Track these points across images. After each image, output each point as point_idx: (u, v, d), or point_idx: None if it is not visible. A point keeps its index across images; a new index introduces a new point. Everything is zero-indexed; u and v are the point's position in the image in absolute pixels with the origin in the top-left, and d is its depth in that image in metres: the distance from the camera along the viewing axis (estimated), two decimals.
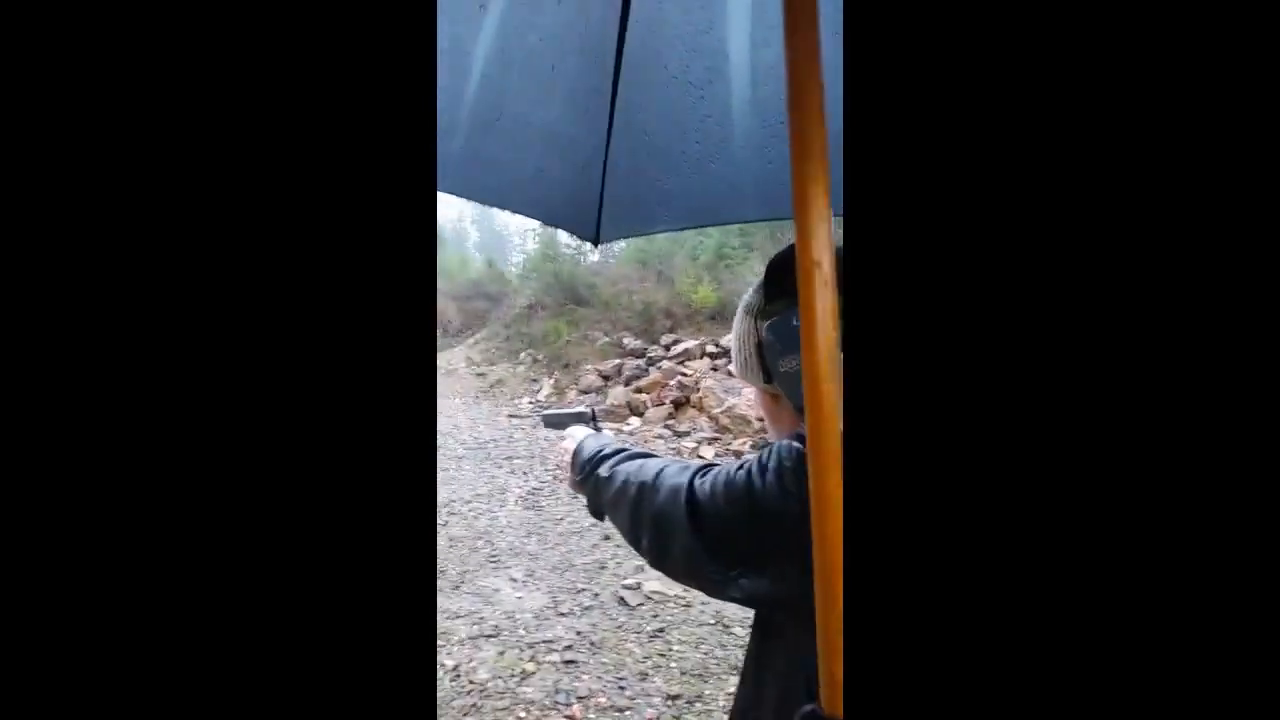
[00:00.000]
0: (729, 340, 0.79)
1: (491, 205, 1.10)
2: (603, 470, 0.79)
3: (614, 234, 1.23)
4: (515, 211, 1.19)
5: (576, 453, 0.88)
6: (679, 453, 5.94)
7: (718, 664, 2.52)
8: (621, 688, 2.39)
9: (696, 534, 0.64)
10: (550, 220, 1.20)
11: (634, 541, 0.73)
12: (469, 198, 1.06)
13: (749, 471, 0.62)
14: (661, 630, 2.78)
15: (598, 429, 1.00)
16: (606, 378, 8.35)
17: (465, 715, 2.20)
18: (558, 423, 1.06)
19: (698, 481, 0.66)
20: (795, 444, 0.61)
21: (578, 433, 0.94)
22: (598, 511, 0.81)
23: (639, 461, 0.77)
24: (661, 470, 0.71)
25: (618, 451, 0.82)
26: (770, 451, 0.63)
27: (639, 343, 9.13)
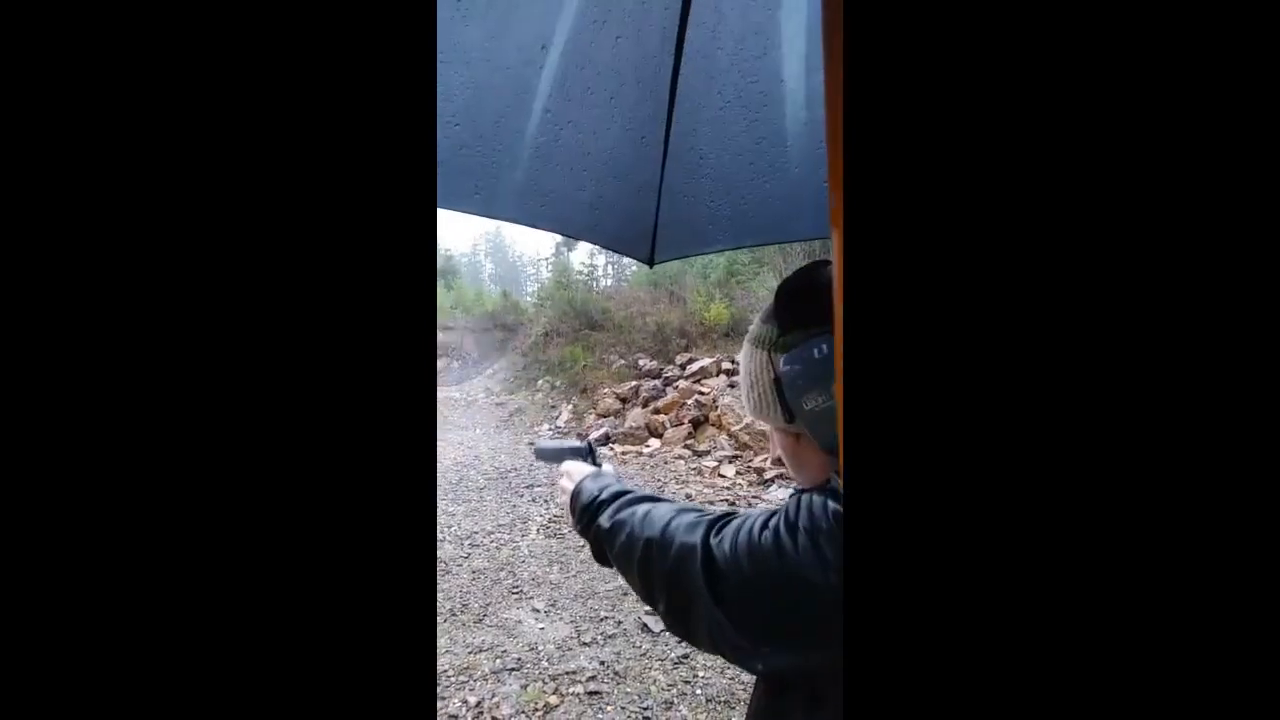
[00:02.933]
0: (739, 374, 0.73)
1: (551, 231, 1.15)
2: (603, 519, 0.73)
3: (668, 254, 1.25)
4: (573, 237, 1.22)
5: (575, 496, 0.81)
6: (700, 473, 5.89)
7: (744, 689, 2.47)
8: (647, 718, 2.35)
9: (719, 604, 0.56)
10: (606, 244, 1.22)
11: (650, 604, 0.67)
12: (530, 225, 1.11)
13: (776, 531, 0.54)
14: (686, 656, 2.73)
15: (595, 463, 0.94)
16: (624, 400, 8.35)
17: None
18: (553, 456, 0.99)
19: (714, 541, 0.58)
20: (832, 503, 0.53)
21: (575, 471, 0.87)
22: (603, 560, 0.75)
23: (643, 509, 0.70)
24: (669, 523, 0.64)
25: (617, 495, 0.75)
26: (800, 507, 0.55)
27: (655, 363, 9.13)
